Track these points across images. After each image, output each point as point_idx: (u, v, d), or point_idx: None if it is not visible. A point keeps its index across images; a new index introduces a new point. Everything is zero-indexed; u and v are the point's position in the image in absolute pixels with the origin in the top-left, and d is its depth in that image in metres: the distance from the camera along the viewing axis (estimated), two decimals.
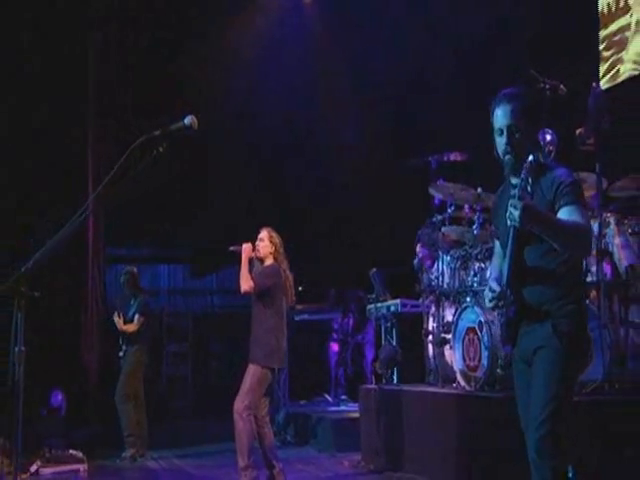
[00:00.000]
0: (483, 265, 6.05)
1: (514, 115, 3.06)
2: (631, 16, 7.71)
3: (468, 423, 5.37)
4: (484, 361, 5.51)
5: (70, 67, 9.46)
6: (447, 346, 6.21)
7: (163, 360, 11.28)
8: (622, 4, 7.82)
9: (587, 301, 4.63)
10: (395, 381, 7.02)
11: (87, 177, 9.72)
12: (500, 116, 3.09)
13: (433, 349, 6.54)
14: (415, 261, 7.34)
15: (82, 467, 6.77)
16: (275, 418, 7.98)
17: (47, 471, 6.59)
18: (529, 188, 2.91)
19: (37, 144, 9.20)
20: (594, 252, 4.74)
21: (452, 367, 6.16)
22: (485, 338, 5.51)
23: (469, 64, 8.98)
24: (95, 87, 9.91)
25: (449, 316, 6.38)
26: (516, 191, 2.90)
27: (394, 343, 7.27)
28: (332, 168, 10.46)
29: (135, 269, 7.87)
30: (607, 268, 5.02)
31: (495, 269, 3.33)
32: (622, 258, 5.14)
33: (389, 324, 7.49)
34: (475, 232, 6.21)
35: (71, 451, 6.92)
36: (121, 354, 7.46)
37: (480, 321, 5.60)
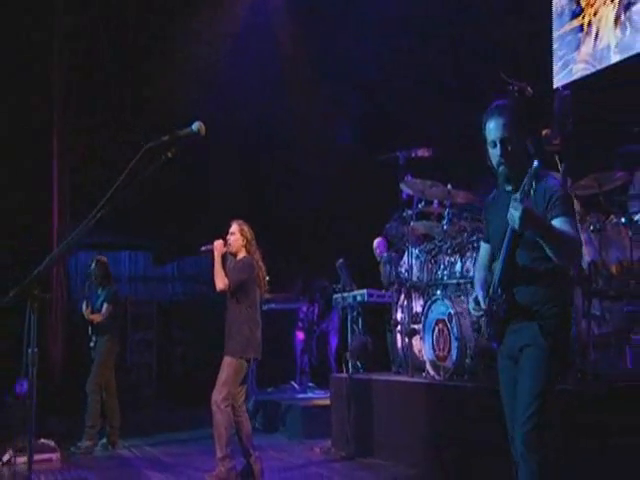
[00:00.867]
0: (452, 259, 6.26)
1: (507, 128, 3.19)
2: (583, 18, 8.07)
3: (437, 411, 5.58)
4: (453, 352, 5.73)
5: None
6: (417, 337, 6.40)
7: (127, 348, 11.24)
8: (574, 6, 8.19)
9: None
10: (361, 369, 7.17)
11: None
12: (493, 129, 3.21)
13: (402, 339, 6.70)
14: (376, 253, 7.52)
15: (55, 456, 6.75)
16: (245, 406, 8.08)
17: (21, 460, 6.57)
18: (532, 192, 3.02)
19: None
20: None
21: (420, 357, 6.37)
22: (455, 329, 5.73)
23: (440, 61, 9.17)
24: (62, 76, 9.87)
25: (418, 307, 6.54)
26: (518, 194, 2.99)
27: (360, 332, 7.44)
28: (301, 160, 10.54)
29: (105, 258, 7.73)
30: None
31: (480, 271, 3.49)
32: (584, 254, 5.39)
33: (355, 313, 7.65)
34: (445, 227, 6.38)
35: (42, 440, 6.82)
36: (92, 344, 7.37)
37: (450, 313, 5.81)
